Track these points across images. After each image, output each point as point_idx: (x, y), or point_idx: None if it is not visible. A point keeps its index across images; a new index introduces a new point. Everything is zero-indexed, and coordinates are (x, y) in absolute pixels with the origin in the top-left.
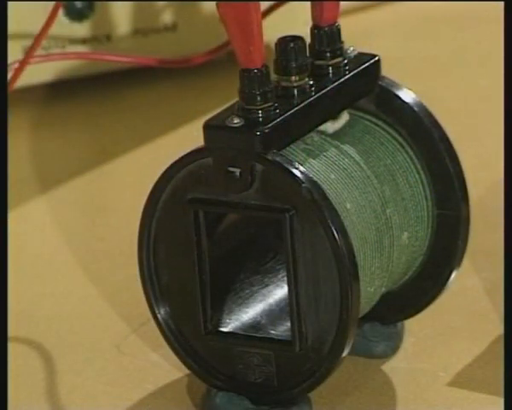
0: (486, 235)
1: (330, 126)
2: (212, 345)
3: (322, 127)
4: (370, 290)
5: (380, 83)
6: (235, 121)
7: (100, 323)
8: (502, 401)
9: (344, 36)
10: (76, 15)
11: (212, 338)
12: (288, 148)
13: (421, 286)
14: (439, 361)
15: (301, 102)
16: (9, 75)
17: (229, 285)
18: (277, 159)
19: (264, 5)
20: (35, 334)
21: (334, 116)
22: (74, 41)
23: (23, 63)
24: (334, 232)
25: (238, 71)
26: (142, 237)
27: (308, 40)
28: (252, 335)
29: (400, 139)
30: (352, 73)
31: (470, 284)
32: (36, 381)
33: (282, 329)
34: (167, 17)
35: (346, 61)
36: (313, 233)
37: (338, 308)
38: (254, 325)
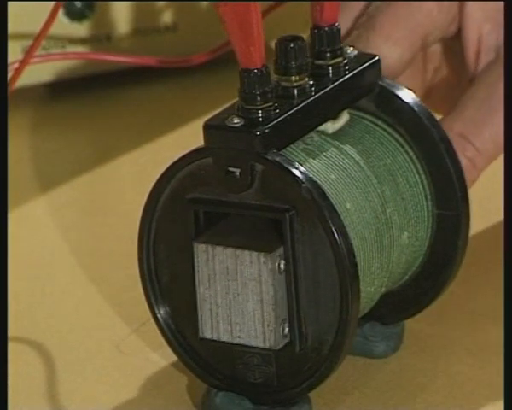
0: (486, 235)
1: (330, 126)
2: (212, 345)
3: (322, 127)
4: (370, 290)
5: (380, 83)
6: (235, 121)
7: (100, 323)
8: (502, 400)
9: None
10: (76, 15)
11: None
12: (287, 148)
13: (421, 286)
14: (440, 361)
15: (301, 102)
16: (9, 75)
17: None
18: (277, 159)
19: (264, 5)
20: (35, 334)
21: (334, 116)
22: (74, 41)
23: (23, 63)
24: (334, 232)
25: (238, 71)
26: (142, 237)
27: (308, 40)
28: None
29: (400, 139)
30: (351, 73)
31: (470, 283)
32: (36, 381)
33: None
34: (167, 17)
35: (346, 61)
36: (313, 233)
37: (338, 308)
38: None
